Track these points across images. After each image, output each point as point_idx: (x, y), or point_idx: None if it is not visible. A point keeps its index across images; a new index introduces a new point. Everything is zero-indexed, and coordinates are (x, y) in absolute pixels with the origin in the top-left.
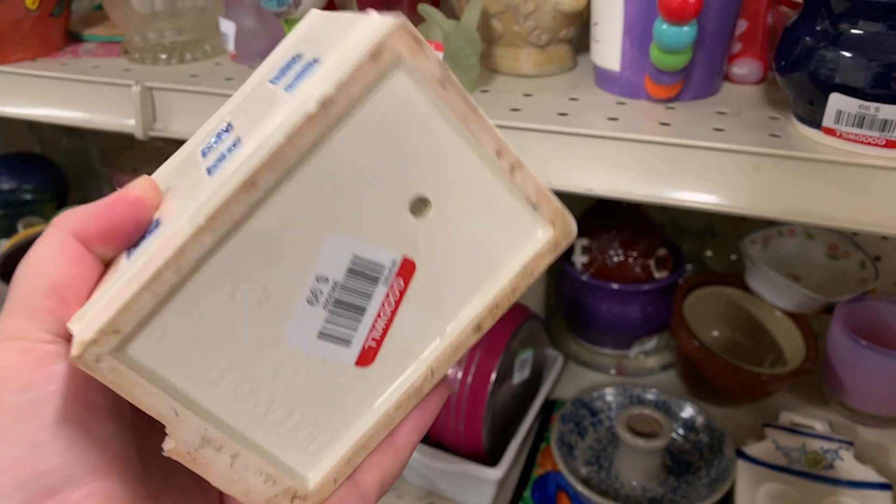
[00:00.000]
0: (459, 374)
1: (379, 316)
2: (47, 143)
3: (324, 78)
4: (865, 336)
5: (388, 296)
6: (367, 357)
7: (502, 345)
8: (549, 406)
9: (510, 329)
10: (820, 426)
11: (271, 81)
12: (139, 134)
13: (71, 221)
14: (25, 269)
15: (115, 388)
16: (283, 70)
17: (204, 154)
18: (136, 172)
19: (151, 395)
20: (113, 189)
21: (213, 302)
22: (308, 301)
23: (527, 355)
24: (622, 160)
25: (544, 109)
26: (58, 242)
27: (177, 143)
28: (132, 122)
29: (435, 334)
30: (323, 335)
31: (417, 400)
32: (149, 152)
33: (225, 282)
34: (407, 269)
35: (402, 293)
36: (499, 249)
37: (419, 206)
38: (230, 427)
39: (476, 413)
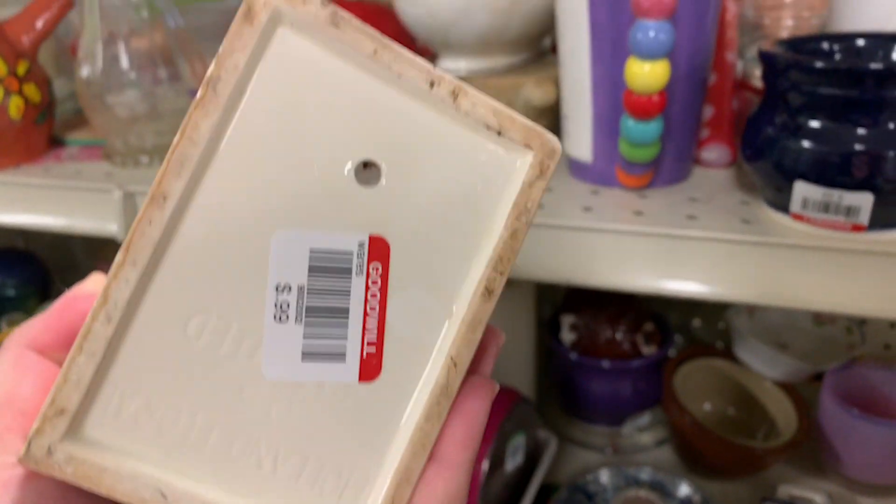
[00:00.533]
0: None
1: (366, 314)
2: (31, 238)
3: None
4: (857, 404)
5: (368, 287)
6: (370, 368)
7: (493, 431)
8: (545, 491)
9: (501, 415)
10: (819, 498)
11: None
12: (121, 238)
13: (23, 335)
14: None
15: (80, 481)
16: None
17: None
18: None
19: (127, 480)
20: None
21: (165, 347)
22: (276, 318)
23: (519, 441)
24: (598, 250)
25: None
26: (11, 358)
27: None
28: (114, 227)
29: (441, 316)
30: (308, 354)
31: (449, 401)
32: None
33: (170, 320)
34: (380, 250)
35: (384, 280)
36: (479, 195)
37: (367, 173)
38: (236, 496)
39: None
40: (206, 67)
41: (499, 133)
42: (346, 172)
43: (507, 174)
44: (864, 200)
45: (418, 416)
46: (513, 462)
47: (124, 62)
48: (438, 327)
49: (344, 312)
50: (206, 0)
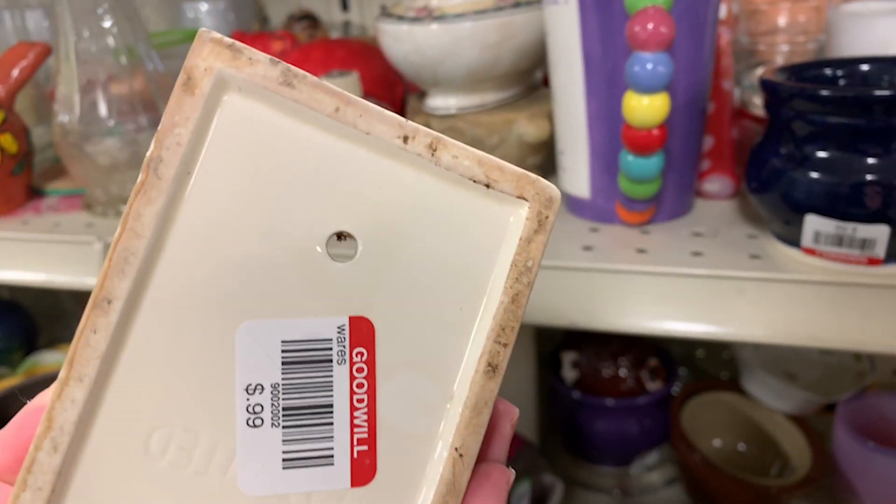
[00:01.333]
0: None
1: (354, 407)
2: (16, 287)
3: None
4: (870, 435)
5: (353, 376)
6: (363, 470)
7: None
8: None
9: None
10: None
11: None
12: None
13: None
14: None
15: None
16: None
17: None
18: None
19: None
20: None
21: (124, 471)
22: (249, 424)
23: (524, 488)
24: (600, 291)
25: None
26: None
27: None
28: (94, 280)
29: (441, 401)
30: (290, 462)
31: (458, 499)
32: None
33: (128, 439)
34: (364, 332)
35: (371, 366)
36: (471, 259)
37: (341, 246)
38: None
39: None
40: None
41: (487, 186)
42: (317, 248)
43: (501, 231)
44: (879, 233)
45: None
46: None
47: (103, 109)
48: (438, 414)
49: (328, 409)
50: (186, 43)
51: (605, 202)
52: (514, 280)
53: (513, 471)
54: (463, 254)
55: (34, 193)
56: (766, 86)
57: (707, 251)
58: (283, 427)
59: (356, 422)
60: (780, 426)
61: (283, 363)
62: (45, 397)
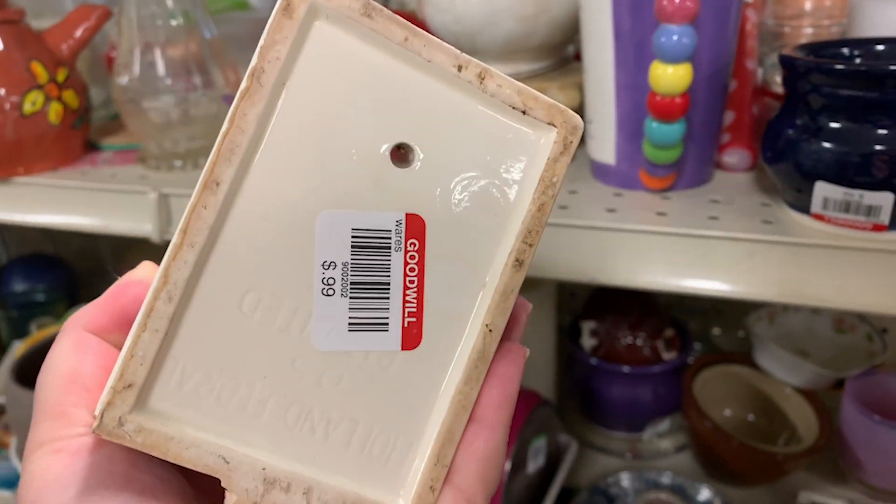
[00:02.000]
0: None
1: (406, 287)
2: (59, 244)
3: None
4: (878, 411)
5: (406, 262)
6: (411, 336)
7: (515, 433)
8: (566, 494)
9: (522, 417)
10: None
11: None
12: (156, 238)
13: (80, 319)
14: (44, 375)
15: (149, 449)
16: None
17: None
18: None
19: (191, 448)
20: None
21: (222, 323)
22: (323, 293)
23: (540, 443)
24: (622, 250)
25: None
26: (70, 340)
27: None
28: (149, 227)
29: (476, 287)
30: (354, 326)
31: (486, 365)
32: (158, 250)
33: (226, 297)
34: (416, 227)
35: (421, 254)
36: (507, 172)
37: (401, 154)
38: (292, 461)
39: None
40: (238, 75)
41: (524, 112)
42: (382, 155)
43: (532, 151)
44: (884, 200)
45: (458, 381)
46: (534, 464)
47: (160, 69)
48: (473, 297)
49: (385, 286)
50: (238, 10)
51: (630, 168)
52: (541, 192)
53: (527, 349)
54: (500, 168)
55: (91, 148)
56: (785, 61)
57: (722, 216)
58: (350, 297)
59: (407, 298)
60: (789, 399)
61: (352, 246)
62: (134, 273)
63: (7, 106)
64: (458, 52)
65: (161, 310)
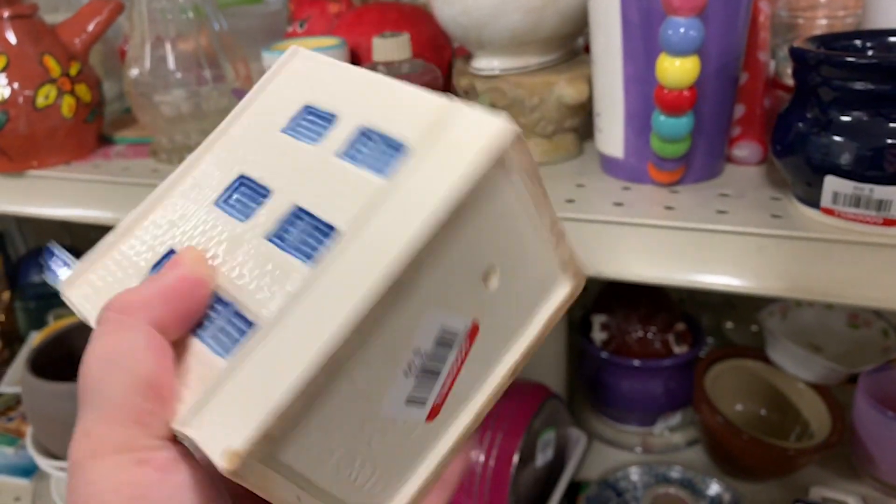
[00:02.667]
0: (481, 458)
1: (448, 376)
2: (77, 236)
3: (447, 182)
4: (892, 407)
5: (457, 358)
6: (434, 413)
7: (524, 426)
8: (574, 488)
9: (531, 410)
10: (852, 501)
11: (289, 133)
12: None
13: (146, 310)
14: (113, 368)
15: (258, 490)
16: (307, 125)
17: (230, 207)
18: None
19: (285, 489)
20: None
21: (343, 394)
22: (404, 373)
23: (549, 436)
24: (628, 244)
25: (552, 196)
26: (142, 336)
27: None
28: None
29: (484, 383)
30: (409, 401)
31: (467, 441)
32: None
33: (353, 372)
34: (473, 332)
35: (466, 353)
36: (534, 303)
37: (488, 273)
38: (331, 498)
39: (499, 497)
40: (248, 69)
41: (563, 269)
42: (480, 272)
43: (553, 294)
44: (895, 194)
45: (446, 449)
46: (543, 457)
47: (171, 63)
48: (479, 391)
49: (438, 374)
50: (249, 4)
51: (638, 162)
52: (545, 327)
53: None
54: (533, 299)
55: (104, 141)
56: (795, 53)
57: (731, 210)
58: (416, 379)
59: (445, 385)
60: (802, 394)
61: (436, 340)
62: (191, 268)
63: (20, 100)
64: (555, 213)
65: (319, 381)
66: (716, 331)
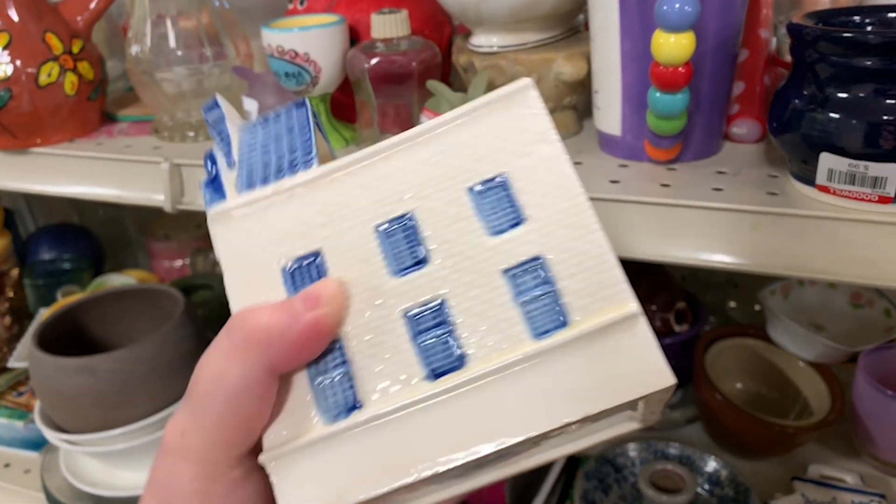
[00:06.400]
0: None
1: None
2: (85, 214)
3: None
4: (892, 386)
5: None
6: None
7: None
8: (573, 463)
9: None
10: (851, 479)
11: (474, 200)
12: (168, 207)
13: (268, 350)
14: (219, 393)
15: None
16: (494, 204)
17: (387, 245)
18: (168, 240)
19: None
20: (147, 258)
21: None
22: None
23: None
24: (623, 221)
25: None
26: (255, 376)
27: (204, 214)
28: (161, 196)
29: (511, 469)
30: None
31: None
32: (180, 219)
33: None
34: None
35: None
36: (600, 430)
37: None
38: None
39: None
40: (249, 46)
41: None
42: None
43: (620, 428)
44: (890, 171)
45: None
46: None
47: (172, 40)
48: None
49: (486, 469)
50: None
51: (635, 139)
52: None
53: None
54: None
55: (107, 119)
56: (792, 29)
57: (727, 188)
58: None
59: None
60: (802, 373)
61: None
62: (325, 316)
63: (23, 77)
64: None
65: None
66: (719, 309)
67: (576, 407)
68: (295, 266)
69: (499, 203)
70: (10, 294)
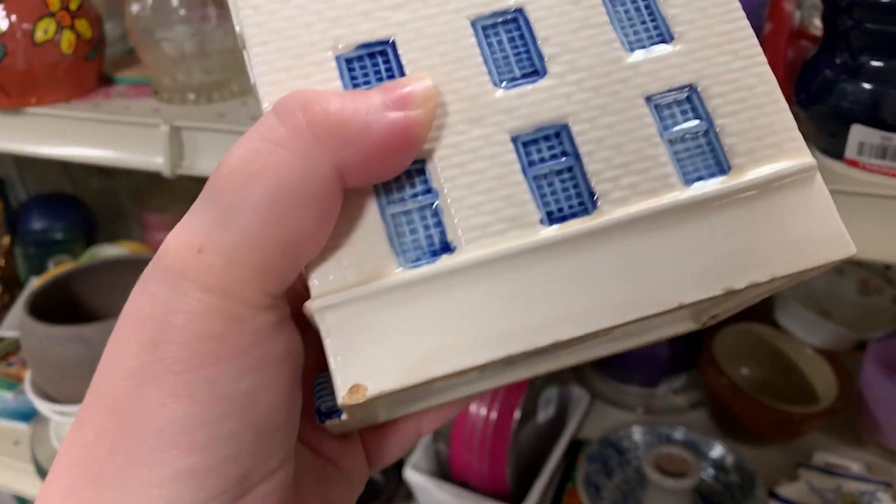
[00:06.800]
0: (483, 412)
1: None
2: (78, 184)
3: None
4: None
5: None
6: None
7: (526, 381)
8: (575, 446)
9: None
10: (856, 467)
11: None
12: (167, 172)
13: (341, 148)
14: (264, 190)
15: (345, 409)
16: (632, 10)
17: (492, 43)
18: (163, 212)
19: (366, 411)
20: (141, 230)
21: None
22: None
23: (551, 393)
24: None
25: None
26: (321, 178)
27: (203, 181)
28: (160, 160)
29: (567, 360)
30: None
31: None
32: (176, 191)
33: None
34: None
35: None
36: (653, 327)
37: None
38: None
39: (500, 452)
40: None
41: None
42: None
43: (673, 328)
44: None
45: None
46: (545, 413)
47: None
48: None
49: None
50: None
51: None
52: None
53: None
54: None
55: (105, 80)
56: None
57: None
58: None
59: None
60: (809, 359)
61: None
62: (405, 119)
63: (18, 34)
64: None
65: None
66: None
67: (737, 273)
68: (355, 55)
69: (638, 13)
70: (1, 263)
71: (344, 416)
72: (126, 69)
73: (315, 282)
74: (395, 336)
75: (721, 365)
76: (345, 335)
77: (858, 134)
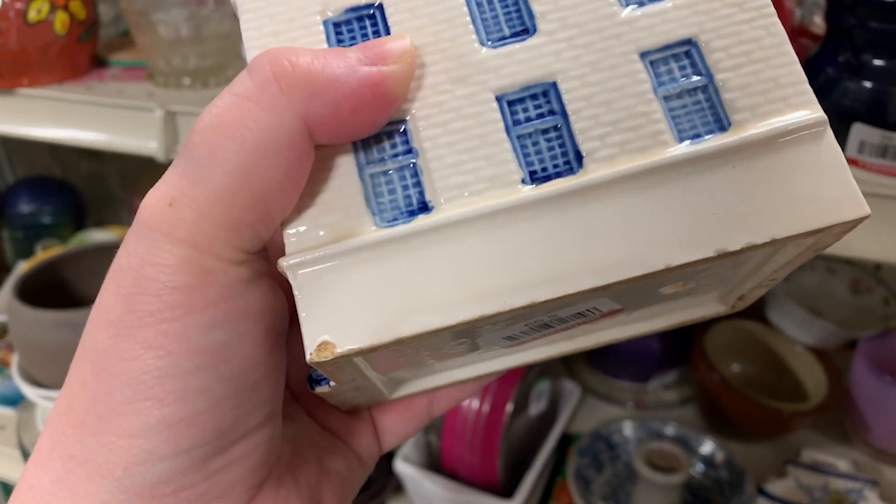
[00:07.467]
0: (475, 404)
1: (558, 330)
2: (67, 168)
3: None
4: (890, 373)
5: (578, 322)
6: (517, 344)
7: (519, 374)
8: (566, 439)
9: None
10: (843, 465)
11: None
12: (161, 157)
13: (309, 99)
14: (232, 144)
15: (323, 371)
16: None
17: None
18: None
19: (347, 374)
20: (130, 215)
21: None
22: (525, 325)
23: (543, 386)
24: None
25: None
26: (288, 130)
27: None
28: (154, 145)
29: (583, 341)
30: (505, 337)
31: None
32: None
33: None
34: (614, 312)
35: (591, 321)
36: (679, 310)
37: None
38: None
39: (492, 444)
40: None
41: (727, 297)
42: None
43: (702, 310)
44: None
45: (511, 366)
46: (537, 407)
47: None
48: (574, 343)
49: (550, 328)
50: None
51: None
52: None
53: None
54: None
55: (99, 63)
56: None
57: None
58: (530, 327)
59: (551, 333)
60: (799, 357)
61: (574, 315)
62: (381, 75)
63: (11, 13)
64: None
65: (457, 327)
66: None
67: (732, 234)
68: (343, 18)
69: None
70: None
71: (332, 384)
72: (120, 52)
73: (290, 239)
74: (367, 295)
75: (712, 361)
76: (315, 292)
77: (859, 133)
